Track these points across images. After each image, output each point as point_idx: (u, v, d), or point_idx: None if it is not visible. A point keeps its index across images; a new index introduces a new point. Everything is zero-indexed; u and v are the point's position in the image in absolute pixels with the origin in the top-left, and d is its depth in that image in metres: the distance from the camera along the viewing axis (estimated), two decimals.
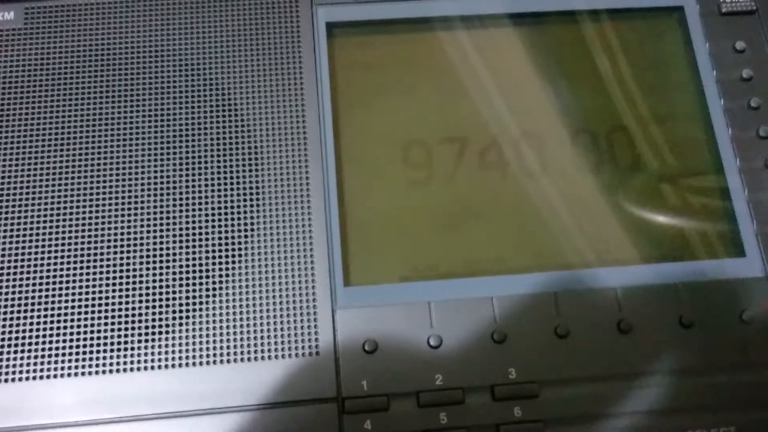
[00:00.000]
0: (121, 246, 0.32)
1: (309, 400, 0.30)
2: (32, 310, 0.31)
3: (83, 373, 0.30)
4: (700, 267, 0.33)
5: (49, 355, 0.30)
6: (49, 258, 0.32)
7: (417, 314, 0.32)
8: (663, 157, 0.36)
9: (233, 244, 0.32)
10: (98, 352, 0.30)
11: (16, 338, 0.30)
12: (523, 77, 0.37)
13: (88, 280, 0.31)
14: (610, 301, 0.32)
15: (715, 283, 0.33)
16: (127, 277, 0.31)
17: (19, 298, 0.31)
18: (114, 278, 0.31)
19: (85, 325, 0.31)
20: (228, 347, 0.31)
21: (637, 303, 0.32)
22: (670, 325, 0.32)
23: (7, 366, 0.30)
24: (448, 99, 0.36)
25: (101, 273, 0.31)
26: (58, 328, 0.31)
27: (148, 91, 0.35)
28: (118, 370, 0.30)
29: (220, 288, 0.31)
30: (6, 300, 0.31)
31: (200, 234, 0.32)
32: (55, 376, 0.30)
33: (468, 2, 0.37)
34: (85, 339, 0.30)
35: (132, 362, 0.30)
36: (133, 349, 0.30)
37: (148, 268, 0.32)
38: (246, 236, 0.32)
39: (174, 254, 0.32)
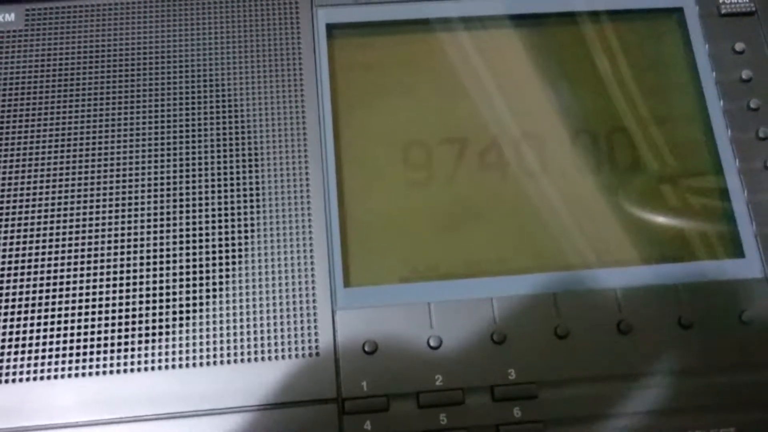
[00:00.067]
0: (122, 246, 0.32)
1: (309, 401, 0.30)
2: (33, 311, 0.31)
3: (84, 374, 0.30)
4: (700, 268, 0.33)
5: (50, 356, 0.30)
6: (49, 258, 0.32)
7: (417, 315, 0.32)
8: (663, 158, 0.36)
9: (234, 244, 0.32)
10: (99, 352, 0.30)
11: (17, 339, 0.30)
12: (523, 78, 0.37)
13: (88, 280, 0.31)
14: (610, 301, 0.32)
15: (714, 283, 0.33)
16: (128, 277, 0.31)
17: (20, 299, 0.31)
18: (114, 279, 0.31)
19: (86, 326, 0.31)
20: (228, 348, 0.31)
21: (636, 304, 0.32)
22: (669, 325, 0.32)
23: (8, 367, 0.30)
24: (448, 100, 0.36)
25: (102, 273, 0.31)
26: (59, 328, 0.31)
27: (149, 93, 0.35)
28: (118, 371, 0.30)
29: (221, 289, 0.31)
30: (6, 300, 0.31)
31: (201, 235, 0.32)
32: (55, 377, 0.30)
33: (468, 4, 0.38)
34: (85, 340, 0.30)
35: (132, 363, 0.30)
36: (133, 349, 0.30)
37: (148, 269, 0.32)
38: (246, 237, 0.32)
39: (174, 255, 0.32)
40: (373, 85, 0.36)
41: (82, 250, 0.32)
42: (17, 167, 0.33)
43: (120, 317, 0.31)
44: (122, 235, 0.32)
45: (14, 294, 0.31)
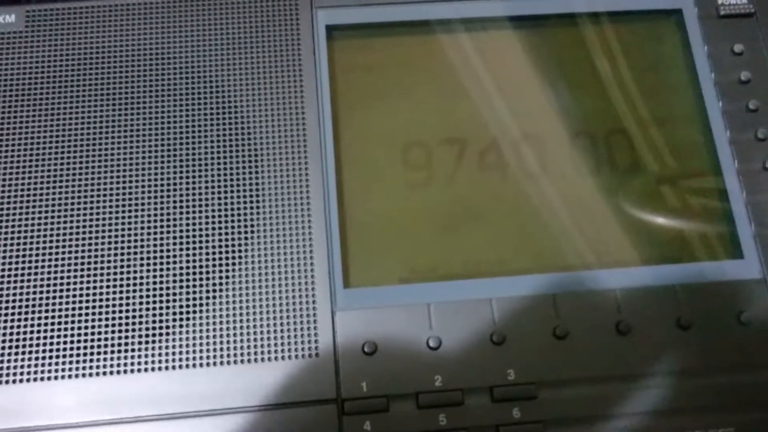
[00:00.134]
0: (123, 247, 0.32)
1: (309, 402, 0.30)
2: (33, 311, 0.31)
3: (84, 375, 0.30)
4: (699, 269, 0.33)
5: (50, 356, 0.30)
6: (49, 259, 0.32)
7: (416, 316, 0.32)
8: (662, 159, 0.36)
9: (234, 245, 0.32)
10: (99, 353, 0.30)
11: (17, 339, 0.30)
12: (522, 79, 0.37)
13: (89, 280, 0.31)
14: (609, 302, 0.32)
15: (713, 284, 0.33)
16: (129, 278, 0.31)
17: (20, 299, 0.31)
18: (115, 279, 0.31)
19: (86, 326, 0.31)
20: (228, 349, 0.31)
21: (635, 304, 0.32)
22: (668, 326, 0.32)
23: (8, 367, 0.30)
24: (448, 101, 0.36)
25: (102, 274, 0.31)
26: (59, 329, 0.31)
27: (149, 94, 0.35)
28: (118, 372, 0.30)
29: (221, 289, 0.31)
30: (7, 301, 0.31)
31: (201, 235, 0.32)
32: (56, 378, 0.30)
33: (467, 5, 0.38)
34: (86, 340, 0.30)
35: (133, 363, 0.30)
36: (133, 350, 0.30)
37: (149, 270, 0.32)
38: (246, 238, 0.32)
39: (175, 256, 0.32)
40: (372, 86, 0.36)
41: (83, 250, 0.32)
42: (17, 168, 0.33)
43: (120, 318, 0.31)
44: (123, 235, 0.32)
45: (14, 294, 0.31)
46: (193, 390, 0.30)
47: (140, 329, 0.31)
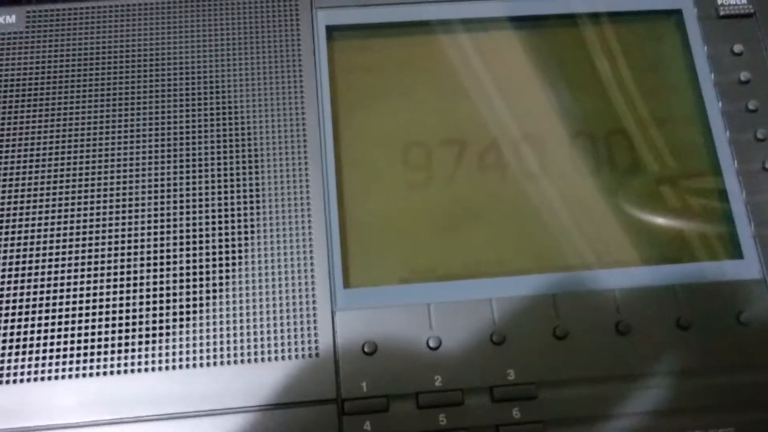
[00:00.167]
0: (123, 247, 0.32)
1: (309, 402, 0.30)
2: (33, 311, 0.31)
3: (84, 375, 0.30)
4: (698, 269, 0.33)
5: (50, 356, 0.30)
6: (49, 259, 0.32)
7: (416, 316, 0.32)
8: (661, 160, 0.36)
9: (234, 245, 0.32)
10: (99, 353, 0.30)
11: (17, 339, 0.30)
12: (522, 80, 0.37)
13: (89, 280, 0.31)
14: (609, 302, 0.32)
15: (712, 284, 0.33)
16: (129, 278, 0.31)
17: (20, 299, 0.31)
18: (115, 279, 0.31)
19: (87, 326, 0.31)
20: (228, 349, 0.31)
21: (635, 304, 0.32)
22: (668, 326, 0.32)
23: (8, 367, 0.30)
24: (448, 101, 0.36)
25: (103, 274, 0.31)
26: (60, 329, 0.31)
27: (149, 94, 0.35)
28: (119, 372, 0.30)
29: (221, 289, 0.32)
30: (7, 301, 0.31)
31: (201, 236, 0.32)
32: (56, 378, 0.30)
33: (467, 5, 0.38)
34: (86, 340, 0.31)
35: (133, 363, 0.30)
36: (133, 350, 0.30)
37: (149, 270, 0.32)
38: (246, 238, 0.32)
39: (175, 256, 0.32)
40: (372, 86, 0.36)
41: (83, 250, 0.32)
42: (17, 168, 0.33)
43: (121, 318, 0.31)
44: (123, 235, 0.32)
45: (15, 294, 0.31)
46: (193, 390, 0.30)
47: (140, 329, 0.31)
